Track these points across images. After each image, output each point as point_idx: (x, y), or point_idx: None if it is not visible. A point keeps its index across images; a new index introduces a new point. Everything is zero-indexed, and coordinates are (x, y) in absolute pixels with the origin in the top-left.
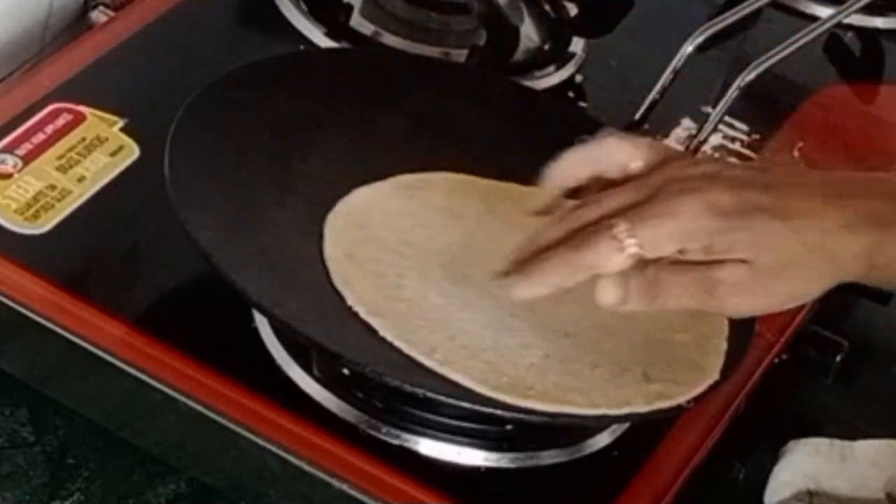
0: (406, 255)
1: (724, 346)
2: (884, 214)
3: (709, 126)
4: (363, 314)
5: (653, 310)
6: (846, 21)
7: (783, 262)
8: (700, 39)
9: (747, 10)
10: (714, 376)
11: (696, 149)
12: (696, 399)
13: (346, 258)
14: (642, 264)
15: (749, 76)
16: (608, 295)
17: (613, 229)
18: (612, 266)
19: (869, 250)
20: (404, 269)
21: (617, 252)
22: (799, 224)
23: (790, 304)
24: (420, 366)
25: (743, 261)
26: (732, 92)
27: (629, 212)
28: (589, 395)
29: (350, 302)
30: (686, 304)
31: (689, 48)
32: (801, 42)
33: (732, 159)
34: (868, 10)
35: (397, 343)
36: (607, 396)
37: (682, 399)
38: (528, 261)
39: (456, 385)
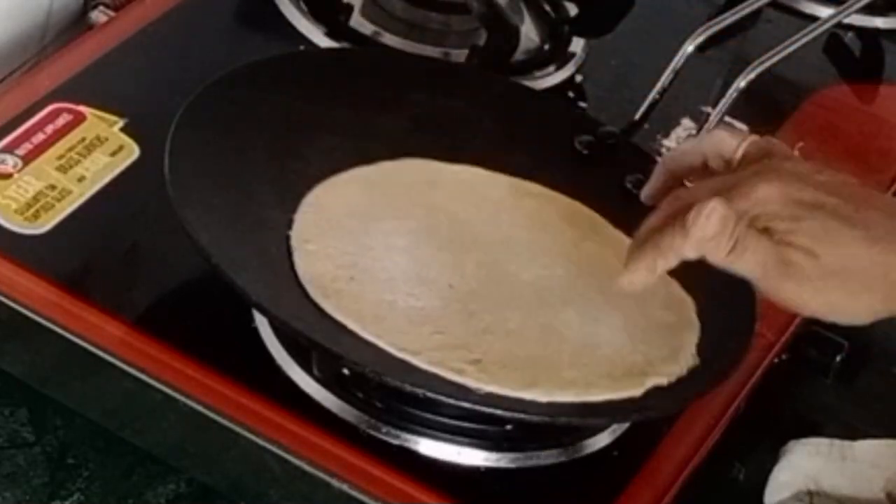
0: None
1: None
2: None
3: (708, 126)
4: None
5: (721, 261)
6: (846, 21)
7: (845, 266)
8: (700, 39)
9: (747, 10)
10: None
11: None
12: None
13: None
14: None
15: (749, 76)
16: (700, 222)
17: (692, 210)
18: (685, 248)
19: None
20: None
21: (683, 232)
22: (871, 236)
23: (838, 316)
24: (413, 367)
25: (811, 254)
26: (732, 92)
27: (713, 194)
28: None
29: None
30: (752, 271)
31: (689, 48)
32: (801, 42)
33: None
34: (868, 10)
35: (379, 343)
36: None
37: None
38: (633, 251)
39: (445, 382)
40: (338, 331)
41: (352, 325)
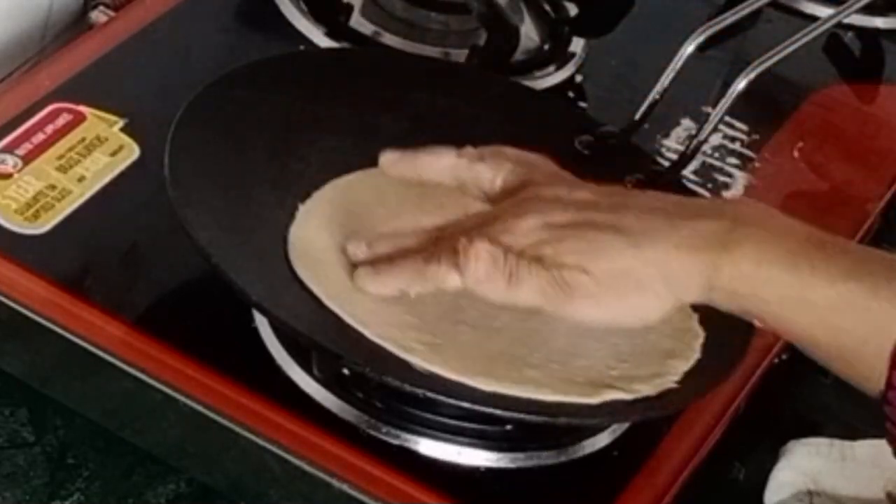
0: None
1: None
2: (722, 235)
3: (708, 126)
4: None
5: (503, 297)
6: (846, 21)
7: (618, 273)
8: (700, 39)
9: (747, 10)
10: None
11: (696, 149)
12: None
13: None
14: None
15: (749, 76)
16: (471, 266)
17: (458, 245)
18: (451, 282)
19: (707, 271)
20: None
21: (455, 270)
22: (635, 240)
23: (632, 320)
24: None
25: (583, 270)
26: (732, 92)
27: (474, 231)
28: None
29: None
30: (533, 299)
31: (689, 48)
32: (801, 42)
33: (732, 160)
34: (868, 10)
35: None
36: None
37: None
38: (382, 261)
39: (445, 381)
40: (337, 330)
41: (324, 299)
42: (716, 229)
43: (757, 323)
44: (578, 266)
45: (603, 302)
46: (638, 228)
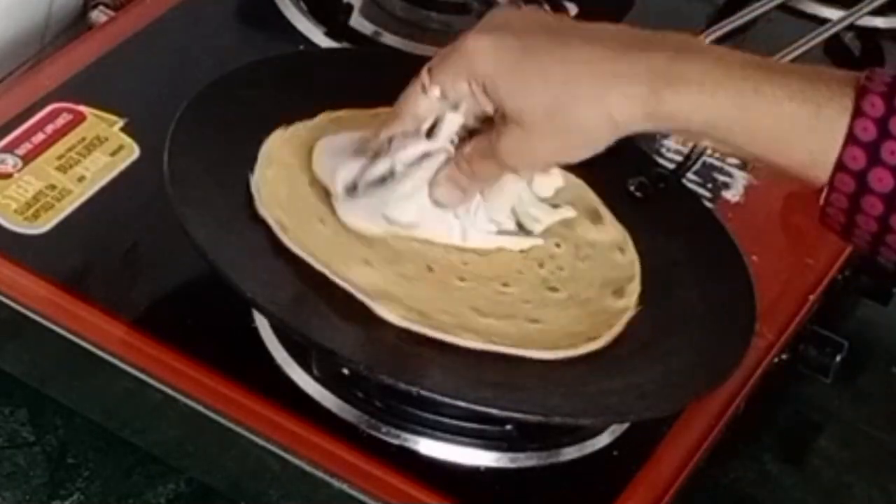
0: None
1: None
2: (665, 65)
3: None
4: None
5: (471, 191)
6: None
7: (553, 111)
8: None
9: (755, 14)
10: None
11: (701, 152)
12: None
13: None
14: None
15: None
16: (440, 193)
17: (420, 75)
18: (424, 109)
19: (650, 102)
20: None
21: (423, 96)
22: (573, 69)
23: (574, 155)
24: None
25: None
26: None
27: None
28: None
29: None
30: (490, 175)
31: None
32: (809, 45)
33: (732, 160)
34: None
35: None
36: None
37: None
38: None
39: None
40: (335, 329)
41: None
42: (659, 59)
43: (705, 144)
44: (512, 109)
45: (538, 143)
46: (580, 57)
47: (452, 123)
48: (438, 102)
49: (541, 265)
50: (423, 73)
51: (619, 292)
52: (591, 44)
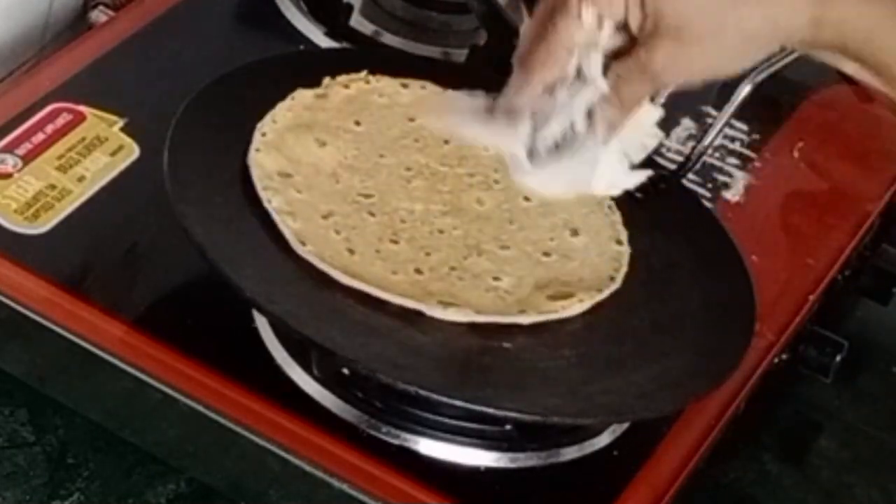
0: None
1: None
2: None
3: (712, 132)
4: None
5: (620, 123)
6: None
7: (718, 7)
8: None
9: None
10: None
11: (701, 154)
12: None
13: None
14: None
15: (755, 80)
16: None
17: (569, 6)
18: (578, 39)
19: (814, 4)
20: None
21: (577, 25)
22: None
23: (735, 66)
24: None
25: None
26: (737, 97)
27: None
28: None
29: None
30: (638, 100)
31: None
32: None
33: (732, 160)
34: None
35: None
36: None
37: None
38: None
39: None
40: (334, 329)
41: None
42: None
43: (848, 68)
44: (672, 16)
45: (693, 51)
46: None
47: (598, 57)
48: (592, 31)
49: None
50: (571, 2)
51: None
52: None
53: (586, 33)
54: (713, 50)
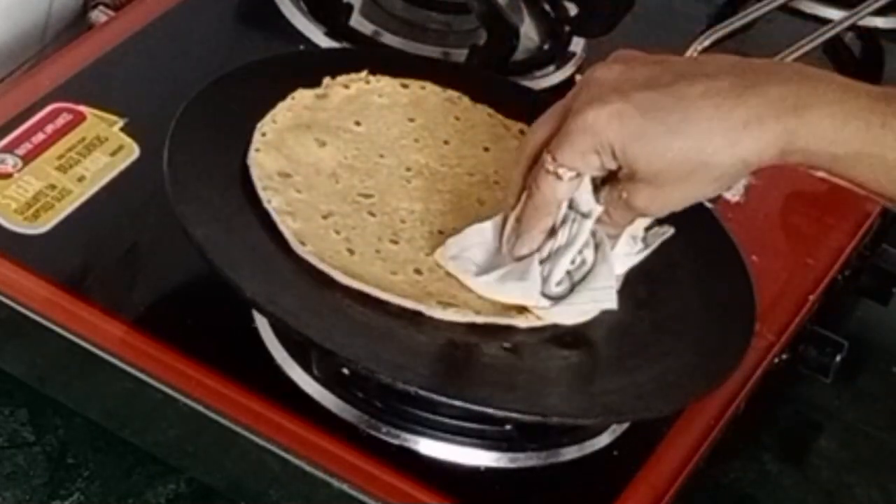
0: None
1: None
2: (793, 102)
3: None
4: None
5: (623, 227)
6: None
7: (688, 161)
8: (706, 43)
9: (757, 15)
10: None
11: None
12: None
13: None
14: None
15: None
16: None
17: (545, 165)
18: (562, 195)
19: (779, 139)
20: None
21: (558, 182)
22: (700, 126)
23: (709, 193)
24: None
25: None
26: None
27: (551, 141)
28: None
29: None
30: (628, 220)
31: (696, 49)
32: (811, 46)
33: None
34: None
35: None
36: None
37: None
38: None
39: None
40: (334, 329)
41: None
42: (784, 92)
43: (821, 175)
44: (645, 170)
45: (665, 195)
46: (701, 114)
47: (588, 190)
48: (573, 182)
49: None
50: (548, 162)
51: None
52: (706, 96)
53: (567, 188)
54: (690, 188)
